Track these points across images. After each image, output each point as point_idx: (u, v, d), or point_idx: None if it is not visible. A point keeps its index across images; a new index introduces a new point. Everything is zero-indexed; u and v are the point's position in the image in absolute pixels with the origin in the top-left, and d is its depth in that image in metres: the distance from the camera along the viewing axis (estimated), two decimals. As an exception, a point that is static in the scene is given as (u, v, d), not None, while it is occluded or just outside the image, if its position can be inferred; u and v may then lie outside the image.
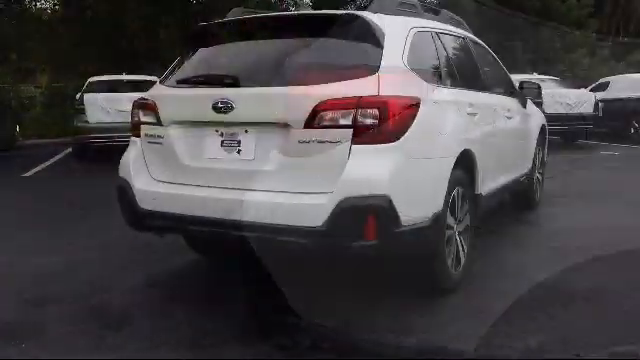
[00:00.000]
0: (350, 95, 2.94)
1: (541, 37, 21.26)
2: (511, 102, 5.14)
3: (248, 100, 3.14)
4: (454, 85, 3.87)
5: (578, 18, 21.78)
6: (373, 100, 2.93)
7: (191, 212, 3.24)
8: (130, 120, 3.70)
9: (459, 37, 4.46)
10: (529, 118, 5.64)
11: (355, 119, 2.92)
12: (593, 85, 15.15)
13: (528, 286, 3.75)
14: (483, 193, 4.14)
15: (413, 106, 3.08)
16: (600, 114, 13.16)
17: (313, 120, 2.97)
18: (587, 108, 12.96)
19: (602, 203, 6.55)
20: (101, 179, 9.13)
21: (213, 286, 3.90)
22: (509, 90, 5.27)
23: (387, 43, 3.21)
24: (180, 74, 3.56)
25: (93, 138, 10.56)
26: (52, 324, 3.27)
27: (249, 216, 3.05)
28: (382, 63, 3.11)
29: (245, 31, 3.48)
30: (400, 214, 2.93)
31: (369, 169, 2.91)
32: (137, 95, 11.07)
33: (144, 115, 3.56)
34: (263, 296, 3.61)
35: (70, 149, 12.14)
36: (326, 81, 3.05)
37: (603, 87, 14.99)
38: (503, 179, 4.72)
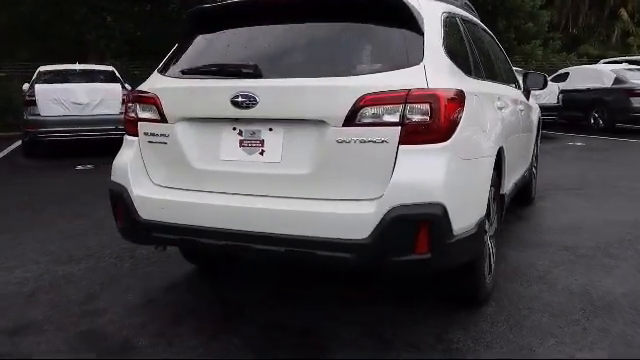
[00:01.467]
0: (397, 87, 2.57)
1: (496, 28, 21.39)
2: (519, 94, 4.89)
3: (275, 94, 2.72)
4: (480, 76, 3.56)
5: (532, 9, 22.03)
6: (423, 93, 2.57)
7: (203, 223, 2.81)
8: (125, 115, 3.21)
9: (476, 24, 4.15)
10: (531, 110, 5.42)
11: (403, 115, 2.55)
12: (553, 76, 15.28)
13: (556, 292, 3.51)
14: (507, 193, 3.87)
15: (461, 100, 2.73)
16: (560, 105, 13.29)
17: (354, 117, 2.58)
18: (551, 99, 13.05)
19: (597, 196, 6.44)
20: (58, 178, 8.60)
21: (218, 302, 3.47)
22: (515, 81, 5.02)
23: (427, 27, 2.84)
24: (185, 63, 3.09)
25: (45, 132, 9.82)
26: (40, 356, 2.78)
27: (277, 228, 2.65)
28: (425, 50, 2.75)
29: (262, 12, 3.03)
30: (453, 223, 2.59)
31: (421, 173, 2.55)
32: (94, 86, 10.56)
33: (143, 111, 3.08)
34: (278, 313, 3.22)
35: (17, 145, 11.28)
36: (367, 71, 2.66)
37: (562, 78, 15.14)
38: (516, 176, 4.48)
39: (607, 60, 18.12)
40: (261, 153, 2.78)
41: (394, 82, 2.60)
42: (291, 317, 3.18)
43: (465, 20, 3.76)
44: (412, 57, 2.71)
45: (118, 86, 10.31)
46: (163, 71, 3.17)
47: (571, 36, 26.15)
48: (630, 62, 15.46)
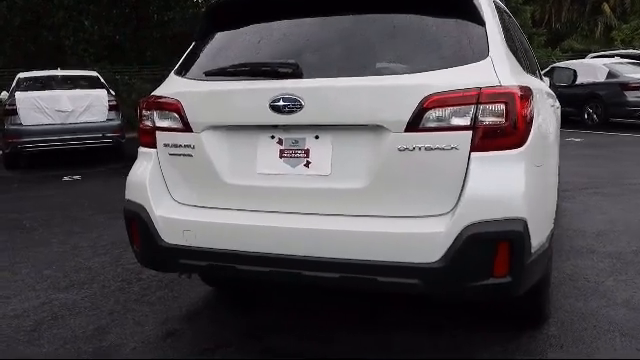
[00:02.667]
0: (467, 86, 2.22)
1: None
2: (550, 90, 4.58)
3: (323, 96, 2.34)
4: (529, 71, 3.22)
5: (515, 4, 21.93)
6: (497, 92, 2.21)
7: (243, 247, 2.43)
8: (140, 125, 2.80)
9: (508, 14, 3.81)
10: (559, 108, 5.11)
11: (475, 118, 2.20)
12: (545, 70, 15.09)
13: (617, 306, 3.19)
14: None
15: (530, 99, 2.39)
16: (556, 100, 13.07)
17: (418, 121, 2.22)
18: (547, 94, 12.83)
19: (617, 195, 6.16)
20: (45, 191, 8.07)
21: (247, 334, 3.07)
22: (542, 76, 4.71)
23: (486, 16, 2.49)
24: (208, 63, 2.69)
25: (28, 143, 9.29)
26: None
27: (331, 251, 2.28)
28: (489, 43, 2.40)
29: (298, 2, 2.64)
30: (532, 240, 2.25)
31: (498, 184, 2.20)
32: (78, 93, 10.03)
33: (161, 118, 2.68)
34: (323, 345, 2.84)
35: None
36: (429, 68, 2.30)
37: (551, 73, 14.96)
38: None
39: (595, 54, 18.01)
40: (306, 165, 2.40)
41: (461, 80, 2.24)
42: (333, 347, 2.81)
43: (501, 8, 3.42)
44: (477, 50, 2.35)
45: (104, 92, 9.82)
46: (182, 73, 2.77)
47: (554, 31, 26.15)
48: (621, 56, 15.34)
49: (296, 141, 2.43)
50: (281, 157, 2.45)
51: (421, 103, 2.21)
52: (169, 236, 2.58)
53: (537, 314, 2.92)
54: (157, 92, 2.77)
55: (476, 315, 3.14)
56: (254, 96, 2.42)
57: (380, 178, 2.29)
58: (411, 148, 2.23)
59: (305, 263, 2.32)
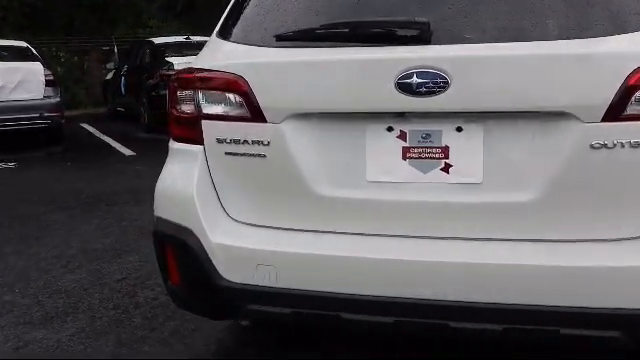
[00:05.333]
0: None
1: None
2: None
3: (478, 69, 1.61)
4: None
5: None
6: None
7: (349, 288, 1.70)
8: (172, 110, 1.97)
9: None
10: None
11: None
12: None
13: None
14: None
15: None
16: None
17: (622, 105, 1.54)
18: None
19: None
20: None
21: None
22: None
23: None
24: (279, 21, 1.87)
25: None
26: None
27: (491, 294, 1.59)
28: None
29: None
30: None
31: None
32: (8, 66, 8.71)
33: (213, 102, 1.86)
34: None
35: None
36: (625, 29, 1.61)
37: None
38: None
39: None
40: (445, 169, 1.68)
41: None
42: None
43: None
44: None
45: (39, 65, 8.54)
46: (235, 36, 1.94)
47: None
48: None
49: (428, 135, 1.69)
50: (405, 158, 1.71)
51: (626, 80, 1.53)
52: (233, 272, 1.80)
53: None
54: (199, 63, 1.94)
55: None
56: (372, 70, 1.67)
57: (560, 187, 1.60)
58: (611, 145, 1.55)
59: (452, 311, 1.63)
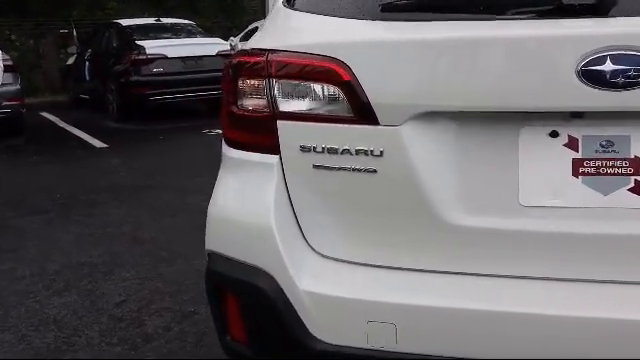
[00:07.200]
0: None
1: None
2: None
3: None
4: None
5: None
6: None
7: (500, 354, 1.23)
8: (231, 107, 1.45)
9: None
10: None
11: None
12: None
13: None
14: None
15: None
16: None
17: None
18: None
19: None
20: None
21: None
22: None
23: None
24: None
25: None
26: None
27: None
28: None
29: None
30: None
31: None
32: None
33: (293, 96, 1.36)
34: None
35: None
36: None
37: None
38: None
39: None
40: (635, 189, 1.22)
41: None
42: None
43: None
44: None
45: (-4, 49, 7.76)
46: (315, 5, 1.43)
47: None
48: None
49: (610, 143, 1.23)
50: (577, 174, 1.24)
51: None
52: (331, 332, 1.31)
53: None
54: (269, 41, 1.42)
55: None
56: (539, 52, 1.19)
57: None
58: None
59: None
